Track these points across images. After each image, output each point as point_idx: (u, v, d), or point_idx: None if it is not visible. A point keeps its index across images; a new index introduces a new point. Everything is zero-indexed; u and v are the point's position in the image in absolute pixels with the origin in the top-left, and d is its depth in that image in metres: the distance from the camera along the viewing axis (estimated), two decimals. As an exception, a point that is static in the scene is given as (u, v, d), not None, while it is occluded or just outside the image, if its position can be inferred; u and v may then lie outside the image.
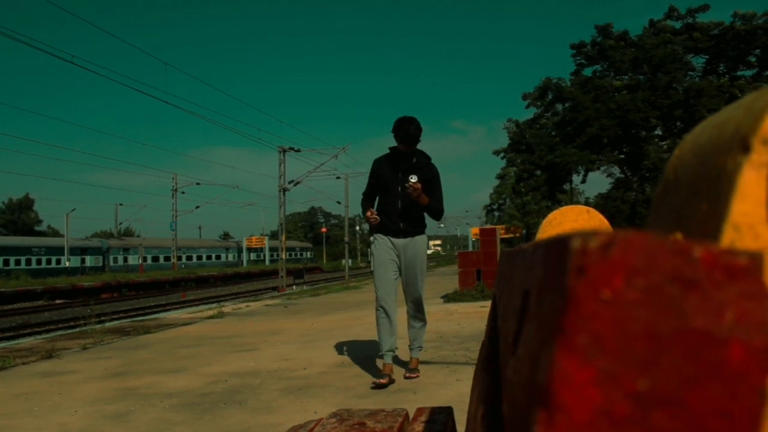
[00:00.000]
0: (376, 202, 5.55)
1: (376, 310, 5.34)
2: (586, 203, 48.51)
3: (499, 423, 0.48)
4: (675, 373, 0.22)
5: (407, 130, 5.26)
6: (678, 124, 33.81)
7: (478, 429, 0.53)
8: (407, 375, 5.32)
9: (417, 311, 5.51)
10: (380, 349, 5.32)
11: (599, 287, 0.22)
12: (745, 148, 0.31)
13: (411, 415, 1.52)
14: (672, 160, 0.41)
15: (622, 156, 35.67)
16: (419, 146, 5.48)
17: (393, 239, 5.38)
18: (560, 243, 0.23)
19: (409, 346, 5.58)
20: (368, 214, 5.35)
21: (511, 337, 0.35)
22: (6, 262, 50.82)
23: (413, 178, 5.20)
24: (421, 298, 5.47)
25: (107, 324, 12.99)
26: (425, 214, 5.47)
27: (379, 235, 5.43)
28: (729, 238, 0.30)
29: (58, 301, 30.54)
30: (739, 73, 33.76)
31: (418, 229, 5.46)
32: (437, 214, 5.43)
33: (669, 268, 0.22)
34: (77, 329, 11.99)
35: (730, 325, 0.22)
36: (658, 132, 35.87)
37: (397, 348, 5.40)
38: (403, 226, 5.38)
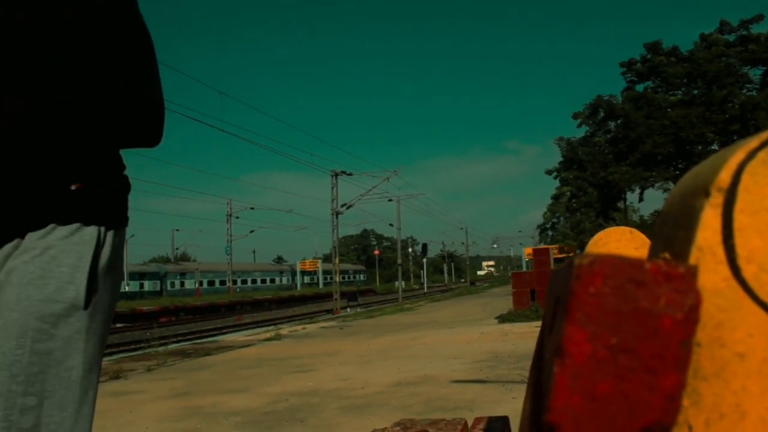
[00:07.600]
0: None
1: None
2: (642, 221, 47.76)
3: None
4: (631, 334, 0.37)
5: None
6: (735, 139, 32.94)
7: (527, 407, 0.67)
8: None
9: None
10: None
11: (587, 286, 0.37)
12: (706, 194, 0.46)
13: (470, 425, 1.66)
14: (668, 199, 0.56)
15: (677, 172, 35.08)
16: None
17: None
18: (570, 262, 0.39)
19: None
20: None
21: (548, 324, 0.50)
22: (69, 288, 52.44)
23: None
24: None
25: (169, 346, 13.40)
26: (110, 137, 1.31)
27: None
28: (695, 256, 0.45)
29: (119, 325, 31.40)
30: (800, 84, 32.92)
31: (46, 200, 1.22)
32: (131, 124, 1.28)
33: (628, 274, 0.38)
34: (140, 351, 12.42)
35: (663, 306, 0.38)
36: (715, 147, 35.18)
37: None
38: None
